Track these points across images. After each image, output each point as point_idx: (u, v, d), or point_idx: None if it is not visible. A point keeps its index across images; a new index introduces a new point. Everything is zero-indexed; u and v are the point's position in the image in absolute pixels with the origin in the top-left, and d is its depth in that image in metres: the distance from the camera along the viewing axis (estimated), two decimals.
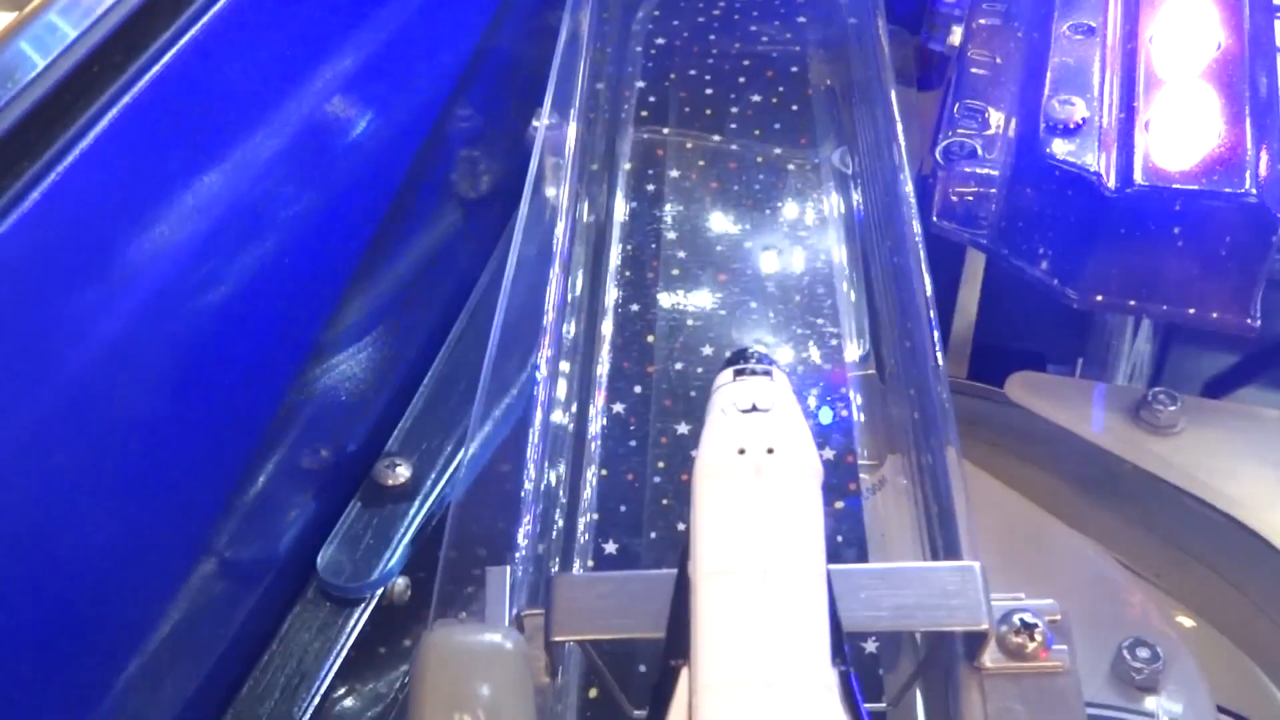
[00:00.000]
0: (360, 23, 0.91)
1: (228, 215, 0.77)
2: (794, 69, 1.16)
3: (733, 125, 1.12)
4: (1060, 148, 0.96)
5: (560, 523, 0.83)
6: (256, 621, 0.87)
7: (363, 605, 0.90)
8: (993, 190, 1.01)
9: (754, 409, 0.59)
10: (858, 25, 1.16)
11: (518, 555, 0.73)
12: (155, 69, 0.71)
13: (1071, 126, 0.97)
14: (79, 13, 0.70)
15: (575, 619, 0.61)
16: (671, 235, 1.02)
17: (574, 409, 0.90)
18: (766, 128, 1.11)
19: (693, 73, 1.16)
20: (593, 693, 0.76)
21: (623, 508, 0.86)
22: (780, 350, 0.94)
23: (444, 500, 0.94)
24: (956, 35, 1.15)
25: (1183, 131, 0.94)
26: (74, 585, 0.70)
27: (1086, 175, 0.94)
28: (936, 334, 0.82)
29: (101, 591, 0.72)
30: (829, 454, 0.87)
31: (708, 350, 0.94)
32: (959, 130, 1.05)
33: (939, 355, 0.81)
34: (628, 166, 1.08)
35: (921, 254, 0.87)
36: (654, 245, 1.02)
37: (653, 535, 0.84)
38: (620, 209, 1.05)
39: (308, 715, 0.85)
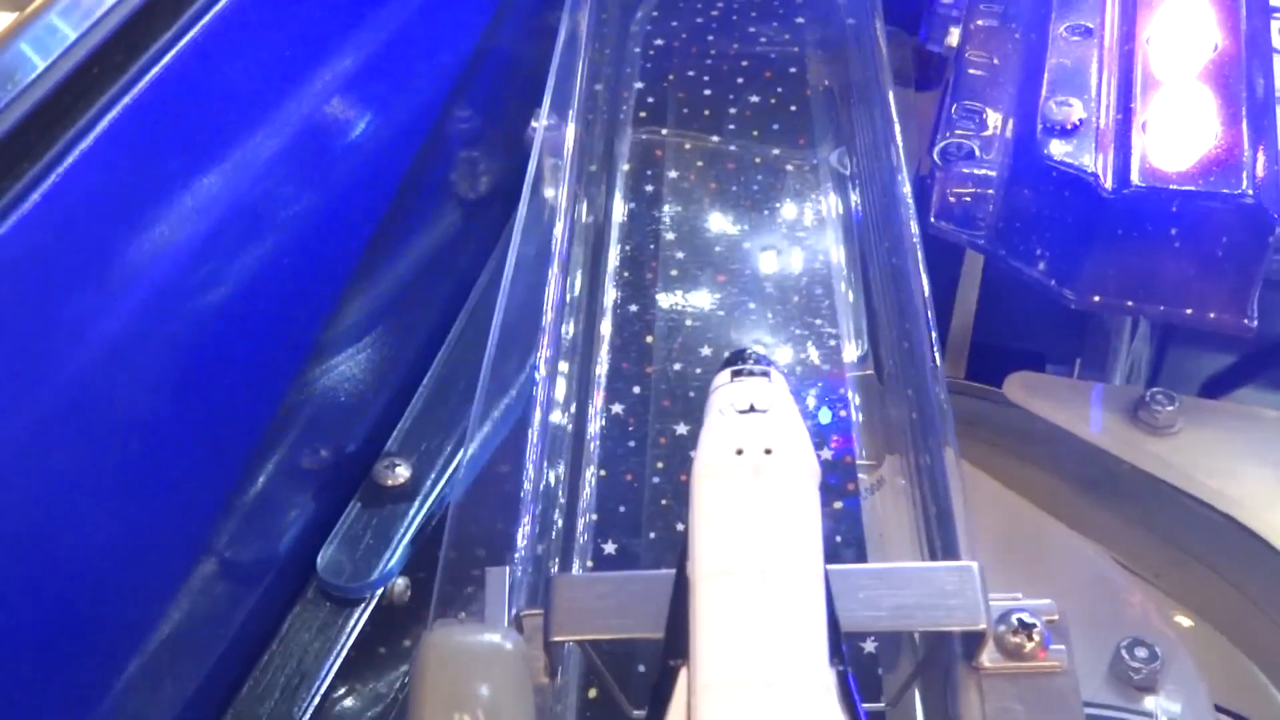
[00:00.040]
0: (360, 23, 0.91)
1: (227, 216, 0.77)
2: (792, 70, 1.16)
3: (731, 126, 1.12)
4: (1058, 149, 0.96)
5: (559, 523, 0.83)
6: (256, 621, 0.87)
7: (363, 605, 0.90)
8: (990, 191, 1.01)
9: (752, 410, 0.59)
10: (856, 26, 1.16)
11: (517, 555, 0.73)
12: (155, 70, 0.72)
13: (1069, 127, 0.97)
14: (79, 14, 0.70)
15: (574, 619, 0.61)
16: (670, 236, 1.02)
17: (573, 409, 0.90)
18: (765, 128, 1.11)
19: (691, 73, 1.16)
20: (592, 693, 0.76)
21: (622, 508, 0.86)
22: (778, 351, 0.94)
23: (443, 500, 0.94)
24: (954, 36, 1.15)
25: (1180, 132, 0.94)
26: (74, 585, 0.70)
27: (1084, 176, 0.94)
28: (934, 334, 0.82)
29: (101, 591, 0.72)
30: (827, 454, 0.87)
31: (706, 351, 0.94)
32: (957, 131, 1.04)
33: (937, 356, 0.81)
34: (626, 167, 1.08)
35: (919, 254, 0.87)
36: (653, 246, 1.02)
37: (652, 535, 0.84)
38: (619, 210, 1.05)
39: (308, 715, 0.85)
